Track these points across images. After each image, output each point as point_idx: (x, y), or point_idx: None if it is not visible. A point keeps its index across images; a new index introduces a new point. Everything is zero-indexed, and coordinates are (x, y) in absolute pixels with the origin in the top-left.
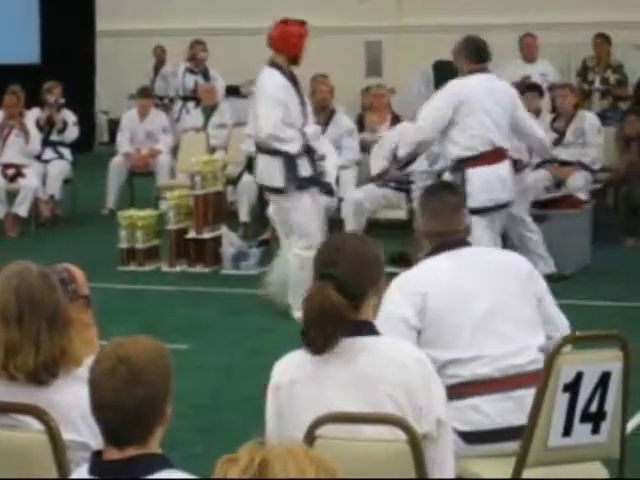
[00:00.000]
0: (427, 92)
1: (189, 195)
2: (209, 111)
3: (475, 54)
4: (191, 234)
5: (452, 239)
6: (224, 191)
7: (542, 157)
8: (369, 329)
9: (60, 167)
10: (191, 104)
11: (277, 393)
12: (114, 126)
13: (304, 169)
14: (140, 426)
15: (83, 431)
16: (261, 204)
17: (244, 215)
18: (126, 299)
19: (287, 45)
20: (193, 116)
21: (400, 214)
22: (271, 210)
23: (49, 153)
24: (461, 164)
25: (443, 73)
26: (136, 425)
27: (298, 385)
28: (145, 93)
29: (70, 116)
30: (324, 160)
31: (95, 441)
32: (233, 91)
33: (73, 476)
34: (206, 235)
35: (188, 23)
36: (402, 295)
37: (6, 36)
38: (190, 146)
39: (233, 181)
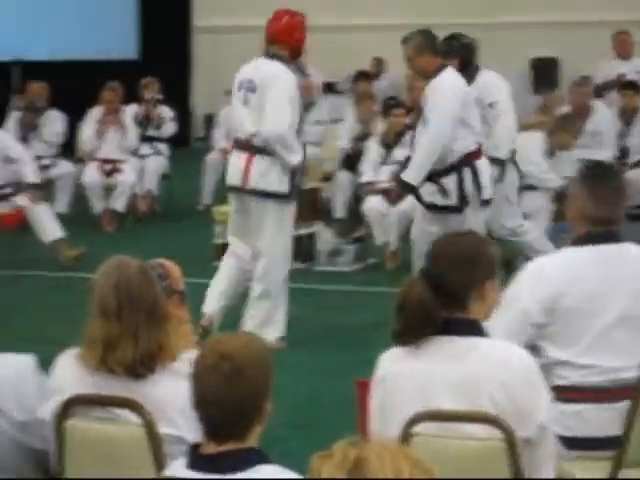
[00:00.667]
0: (523, 91)
1: None
2: (306, 107)
3: (436, 48)
4: None
5: (607, 231)
6: (319, 187)
7: None
8: (477, 329)
9: (157, 162)
10: None
11: (382, 384)
12: (210, 122)
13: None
14: (240, 422)
15: (180, 425)
16: (356, 201)
17: (339, 212)
18: None
19: (292, 38)
20: None
21: None
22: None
23: (146, 149)
24: (469, 157)
25: (540, 71)
26: (236, 421)
27: (402, 378)
28: None
29: (167, 112)
30: None
31: (191, 435)
32: (330, 88)
33: (169, 469)
34: (301, 231)
35: None
36: (532, 285)
37: (105, 32)
38: None
39: (328, 177)
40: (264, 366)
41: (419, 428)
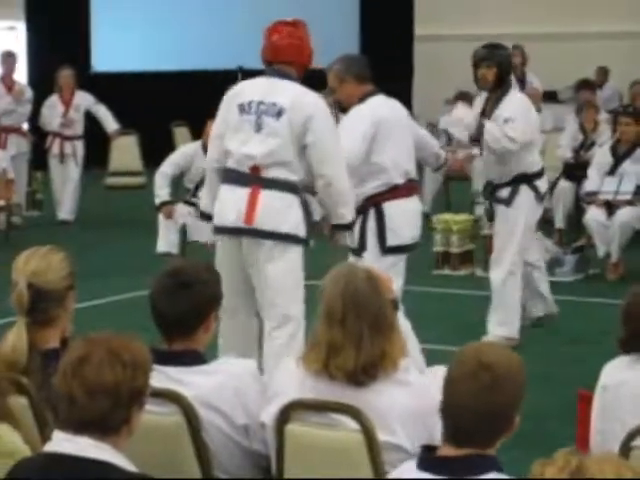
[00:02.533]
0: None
1: None
2: None
3: (362, 74)
4: None
5: None
6: None
7: (433, 168)
8: None
9: None
10: None
11: (603, 394)
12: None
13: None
14: (487, 432)
15: (398, 433)
16: (577, 210)
17: (559, 221)
18: (440, 302)
19: (302, 55)
20: None
21: None
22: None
23: None
24: (376, 199)
25: None
26: (484, 431)
27: (624, 387)
28: (464, 97)
29: None
30: None
31: (409, 443)
32: (551, 96)
33: (399, 470)
34: None
35: (508, 28)
36: None
37: (328, 40)
38: None
39: (550, 187)
40: (520, 379)
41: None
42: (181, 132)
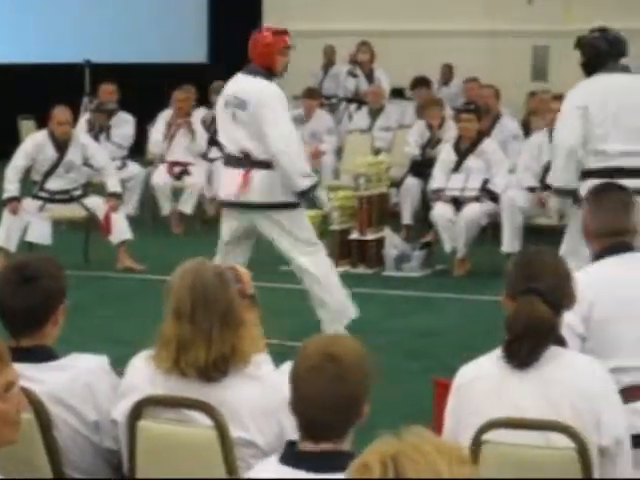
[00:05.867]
0: None
1: (353, 196)
2: (375, 113)
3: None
4: (354, 235)
5: (621, 242)
6: (388, 193)
7: None
8: (559, 340)
9: None
10: (353, 106)
11: (457, 393)
12: None
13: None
14: (339, 423)
15: (250, 429)
16: (424, 207)
17: (407, 217)
18: (289, 299)
19: (259, 56)
20: (359, 117)
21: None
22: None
23: (215, 152)
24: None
25: None
26: (337, 422)
27: (479, 382)
28: (311, 94)
29: None
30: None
31: (262, 439)
32: (398, 93)
33: (262, 464)
34: (369, 236)
35: (355, 24)
36: None
37: (176, 36)
38: (355, 147)
39: (397, 183)
40: (365, 369)
41: (494, 435)
42: (27, 125)
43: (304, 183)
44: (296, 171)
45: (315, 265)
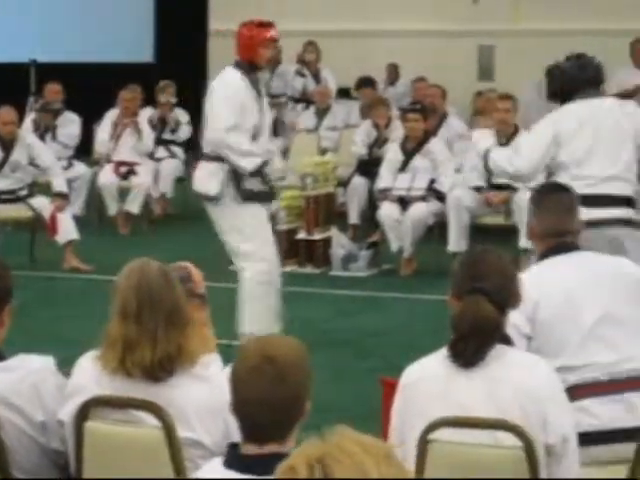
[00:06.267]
0: (539, 99)
1: (300, 196)
2: (322, 113)
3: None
4: (301, 235)
5: (564, 242)
6: (335, 193)
7: None
8: (505, 339)
9: (172, 166)
10: (300, 106)
11: (403, 393)
12: None
13: (250, 184)
14: (282, 424)
15: (197, 429)
16: (371, 206)
17: (354, 217)
18: (234, 298)
19: (239, 48)
20: (305, 117)
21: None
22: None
23: (162, 152)
24: None
25: None
26: (278, 423)
27: (425, 381)
28: None
29: (183, 115)
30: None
31: (209, 439)
32: (344, 93)
33: (206, 467)
34: (316, 236)
35: (301, 24)
36: None
37: (122, 35)
38: (302, 147)
39: (343, 183)
40: (306, 369)
41: (441, 434)
42: None
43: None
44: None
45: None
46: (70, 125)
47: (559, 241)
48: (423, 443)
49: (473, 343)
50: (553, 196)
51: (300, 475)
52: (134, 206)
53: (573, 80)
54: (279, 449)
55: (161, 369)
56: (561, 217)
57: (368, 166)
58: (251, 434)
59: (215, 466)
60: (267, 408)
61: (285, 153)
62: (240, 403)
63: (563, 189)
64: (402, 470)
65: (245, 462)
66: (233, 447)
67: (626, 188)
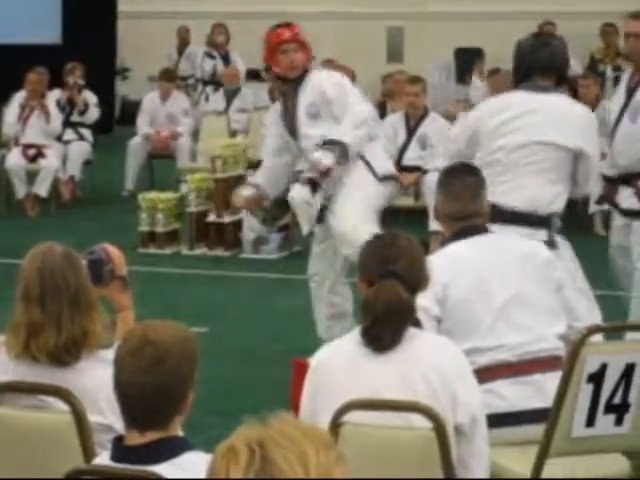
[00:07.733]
0: (447, 81)
1: (210, 178)
2: (231, 95)
3: None
4: (211, 217)
5: (472, 225)
6: (245, 175)
7: None
8: (415, 321)
9: (80, 148)
10: (210, 88)
11: (314, 375)
12: (133, 108)
13: None
14: (162, 410)
15: (107, 413)
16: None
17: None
18: (146, 282)
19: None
20: (215, 99)
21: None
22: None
23: (70, 134)
24: None
25: (464, 61)
26: (158, 409)
27: (337, 364)
28: (167, 75)
29: (91, 97)
30: None
31: (120, 424)
32: (254, 75)
33: (96, 462)
34: (226, 219)
35: (210, 6)
36: None
37: (28, 16)
38: (211, 129)
39: (254, 165)
40: (189, 354)
41: (353, 416)
42: None
43: None
44: None
45: None
46: None
47: (467, 224)
48: (335, 426)
49: (389, 327)
50: (459, 178)
51: (240, 457)
52: (42, 189)
53: (523, 61)
54: (161, 435)
55: (67, 353)
56: (467, 200)
57: None
58: (131, 419)
59: (103, 458)
60: (146, 391)
61: (195, 135)
62: (119, 385)
63: (470, 171)
64: (341, 457)
65: (130, 453)
66: (118, 440)
67: None
